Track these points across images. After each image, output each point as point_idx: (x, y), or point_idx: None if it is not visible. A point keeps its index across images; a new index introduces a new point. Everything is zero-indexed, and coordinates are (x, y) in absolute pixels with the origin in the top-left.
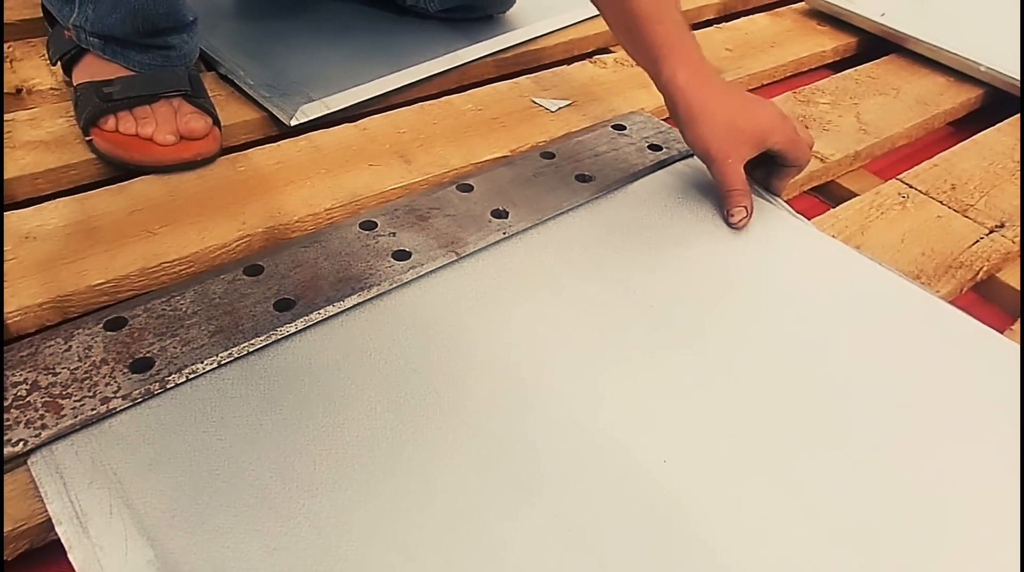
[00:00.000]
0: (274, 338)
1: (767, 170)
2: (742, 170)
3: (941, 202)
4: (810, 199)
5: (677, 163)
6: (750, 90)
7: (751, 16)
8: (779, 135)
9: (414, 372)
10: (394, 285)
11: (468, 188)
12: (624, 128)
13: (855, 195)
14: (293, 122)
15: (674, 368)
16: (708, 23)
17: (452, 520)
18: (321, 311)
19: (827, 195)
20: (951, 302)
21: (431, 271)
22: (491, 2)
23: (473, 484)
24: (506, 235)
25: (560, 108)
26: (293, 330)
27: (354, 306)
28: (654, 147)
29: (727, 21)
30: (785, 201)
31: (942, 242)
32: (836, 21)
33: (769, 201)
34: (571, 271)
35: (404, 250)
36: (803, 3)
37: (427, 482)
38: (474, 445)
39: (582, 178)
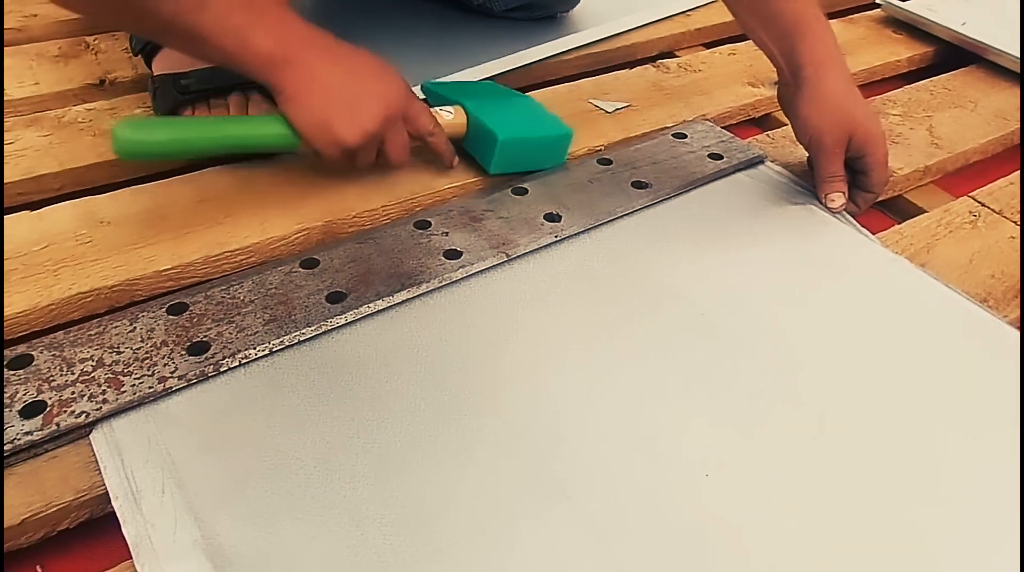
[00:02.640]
0: (324, 329)
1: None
2: (843, 158)
3: (1015, 222)
4: (876, 213)
5: (737, 173)
6: None
7: None
8: (879, 149)
9: (458, 371)
10: (443, 283)
11: (523, 191)
12: (685, 136)
13: (923, 211)
14: None
15: (724, 380)
16: None
17: (487, 521)
18: (371, 305)
19: (894, 210)
20: (1019, 328)
21: (481, 271)
22: (554, 2)
23: (512, 487)
24: (558, 238)
25: (617, 110)
26: (343, 322)
27: (403, 302)
28: (715, 156)
29: None
30: (851, 214)
31: (1013, 264)
32: (913, 29)
33: (834, 215)
34: (622, 277)
35: (455, 249)
36: (879, 10)
37: (465, 482)
38: (515, 448)
39: (638, 185)
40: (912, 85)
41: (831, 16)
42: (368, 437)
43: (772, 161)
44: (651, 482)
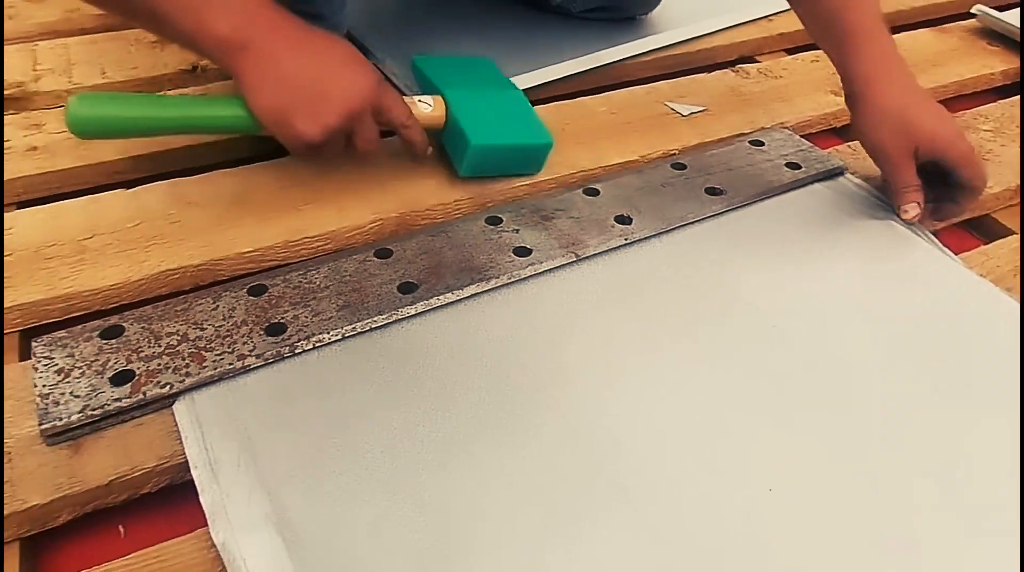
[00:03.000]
0: (395, 318)
1: (937, 194)
2: (914, 167)
3: None
4: (961, 233)
5: (815, 183)
6: None
7: (913, 31)
8: (952, 147)
9: (523, 367)
10: (512, 279)
11: (595, 192)
12: (762, 144)
13: (1012, 233)
14: None
15: (792, 394)
16: None
17: (547, 518)
18: (441, 297)
19: (980, 230)
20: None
21: (549, 270)
22: (633, 4)
23: (572, 486)
24: (628, 241)
25: (692, 114)
26: (413, 312)
27: (472, 296)
28: (792, 165)
29: None
30: (933, 233)
31: None
32: (1009, 41)
33: (915, 232)
34: (691, 283)
35: (525, 247)
36: (974, 20)
37: (526, 475)
38: (575, 446)
39: (712, 191)
40: (1006, 100)
41: (923, 25)
42: (432, 425)
43: (852, 173)
44: (714, 492)
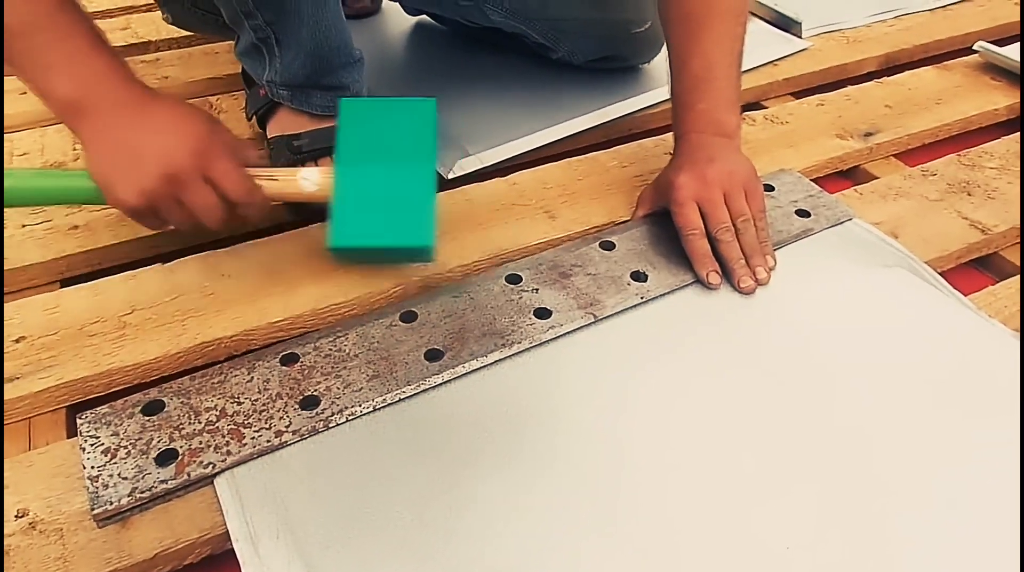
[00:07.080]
0: (422, 388)
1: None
2: (685, 214)
3: None
4: (969, 271)
5: (825, 231)
6: (909, 150)
7: (916, 70)
8: (672, 195)
9: (544, 430)
10: (533, 344)
11: (610, 246)
12: (772, 189)
13: (1020, 271)
14: (450, 176)
15: (806, 451)
16: (868, 77)
17: None
18: (466, 365)
19: (988, 268)
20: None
21: (569, 332)
22: (634, 53)
23: (590, 545)
24: (643, 300)
25: None
26: (439, 381)
27: (495, 361)
28: (802, 213)
29: (890, 75)
30: (940, 273)
31: None
32: (1012, 76)
33: (925, 278)
34: (707, 341)
35: (545, 308)
36: (976, 56)
37: (549, 540)
38: (595, 507)
39: None
40: (1011, 135)
41: (925, 62)
42: (460, 493)
43: (860, 218)
44: (731, 552)
